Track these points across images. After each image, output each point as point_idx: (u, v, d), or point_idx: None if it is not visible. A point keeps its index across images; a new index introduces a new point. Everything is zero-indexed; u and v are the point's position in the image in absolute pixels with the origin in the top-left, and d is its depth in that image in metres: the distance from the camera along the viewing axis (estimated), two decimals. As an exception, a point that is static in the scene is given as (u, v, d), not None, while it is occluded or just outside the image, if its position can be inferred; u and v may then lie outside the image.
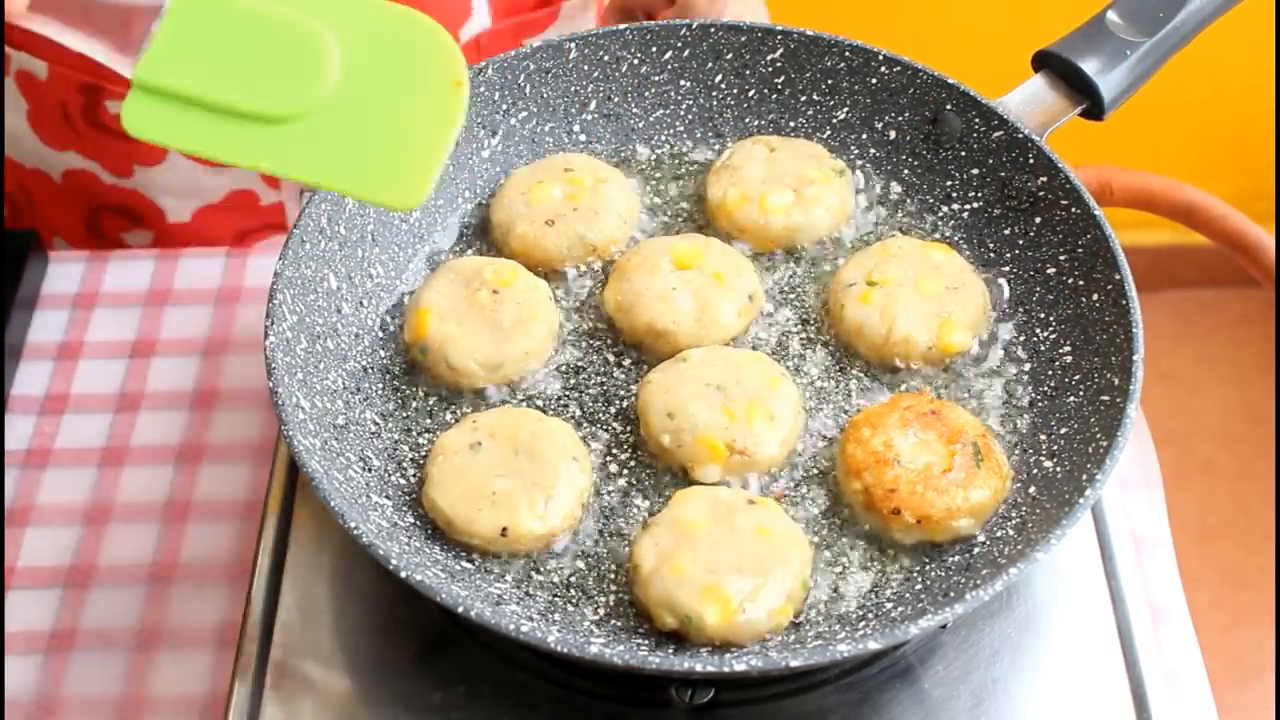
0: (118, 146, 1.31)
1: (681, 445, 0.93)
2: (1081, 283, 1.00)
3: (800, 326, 1.03)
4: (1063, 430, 0.94)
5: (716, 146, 1.14)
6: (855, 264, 1.03)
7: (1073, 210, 1.01)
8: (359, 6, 0.81)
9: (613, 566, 0.91)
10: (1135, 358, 0.91)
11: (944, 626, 0.91)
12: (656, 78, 1.14)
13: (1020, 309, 1.03)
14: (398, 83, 0.80)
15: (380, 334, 1.03)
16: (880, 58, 1.10)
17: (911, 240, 1.05)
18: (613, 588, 0.90)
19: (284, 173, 0.80)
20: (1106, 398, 0.92)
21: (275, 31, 0.81)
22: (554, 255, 1.06)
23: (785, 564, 0.86)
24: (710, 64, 1.13)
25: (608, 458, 0.96)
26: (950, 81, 1.08)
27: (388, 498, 0.93)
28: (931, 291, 1.01)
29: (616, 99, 1.14)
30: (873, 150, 1.12)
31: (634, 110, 1.14)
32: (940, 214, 1.09)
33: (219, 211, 1.35)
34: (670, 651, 0.86)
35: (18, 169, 1.36)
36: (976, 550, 0.90)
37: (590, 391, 0.99)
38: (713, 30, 1.12)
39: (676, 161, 1.14)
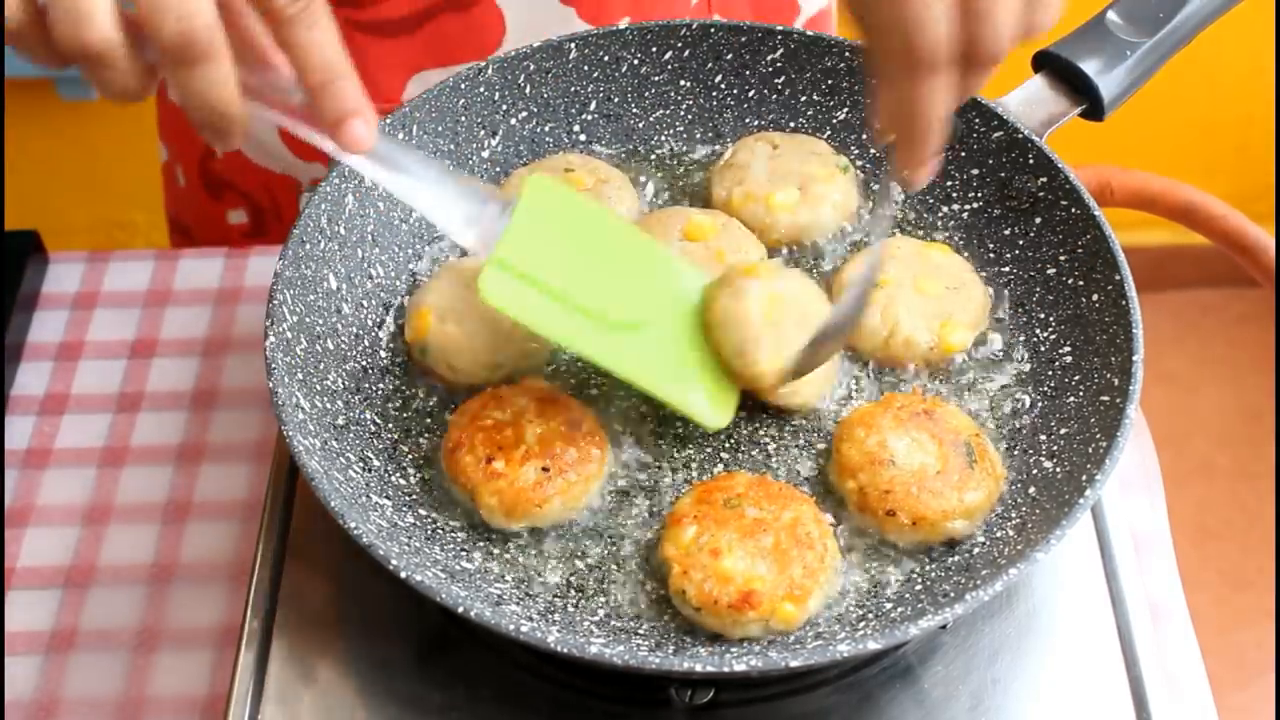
0: None
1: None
2: (1081, 283, 1.00)
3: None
4: (1062, 430, 0.94)
5: (717, 146, 1.14)
6: (856, 265, 1.03)
7: (1073, 210, 1.01)
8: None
9: (613, 567, 0.91)
10: (1135, 358, 0.91)
11: (944, 627, 0.91)
12: (656, 78, 1.14)
13: (1020, 309, 1.03)
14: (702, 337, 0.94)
15: (380, 334, 1.03)
16: (880, 58, 1.10)
17: (911, 240, 1.05)
18: (613, 588, 0.90)
19: (610, 369, 0.91)
20: (1106, 398, 0.92)
21: (627, 250, 0.94)
22: None
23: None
24: (710, 64, 1.13)
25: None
26: (950, 82, 1.08)
27: (388, 498, 0.93)
28: (932, 292, 1.01)
29: (616, 99, 1.14)
30: (873, 150, 1.12)
31: (634, 110, 1.14)
32: (940, 214, 1.09)
33: None
34: (670, 651, 0.86)
35: (267, 175, 1.35)
36: (976, 551, 0.90)
37: (590, 392, 0.99)
38: (713, 30, 1.12)
39: (676, 161, 1.14)
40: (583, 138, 1.15)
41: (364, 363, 1.01)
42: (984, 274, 1.04)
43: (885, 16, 0.75)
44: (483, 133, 1.11)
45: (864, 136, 1.12)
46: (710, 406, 0.93)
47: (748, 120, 1.14)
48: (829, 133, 1.13)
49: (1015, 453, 0.96)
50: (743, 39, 1.12)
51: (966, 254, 1.07)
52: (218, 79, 0.73)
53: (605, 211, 0.98)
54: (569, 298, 0.90)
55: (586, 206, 0.95)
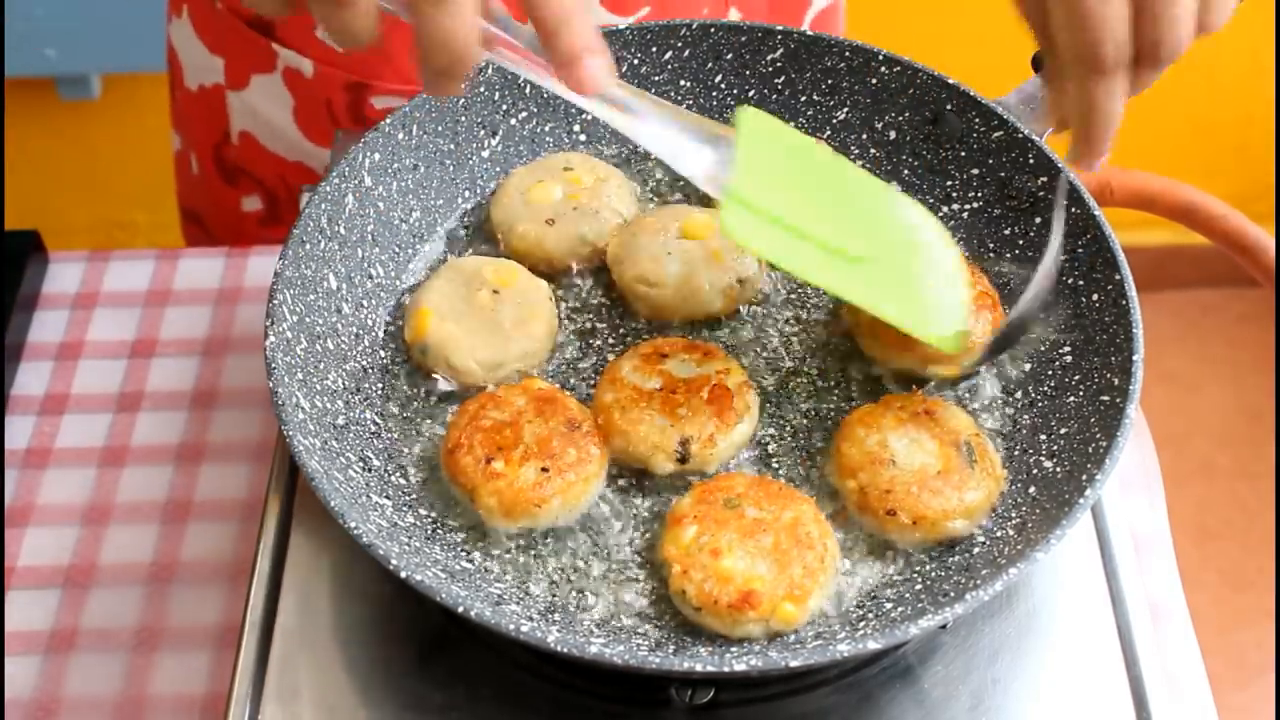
0: None
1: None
2: (1081, 283, 1.00)
3: (799, 325, 1.03)
4: (1062, 430, 0.94)
5: (716, 146, 1.14)
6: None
7: (1072, 210, 1.01)
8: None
9: (613, 567, 0.91)
10: (1135, 358, 0.91)
11: (944, 626, 0.91)
12: (656, 78, 1.14)
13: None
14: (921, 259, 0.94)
15: (380, 334, 1.03)
16: (880, 58, 1.10)
17: None
18: (613, 587, 0.90)
19: (849, 298, 0.91)
20: (1106, 398, 0.92)
21: (844, 179, 0.94)
22: (555, 255, 1.06)
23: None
24: (710, 64, 1.13)
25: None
26: (950, 81, 1.08)
27: (388, 498, 0.93)
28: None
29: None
30: (873, 150, 1.12)
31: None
32: (940, 214, 1.09)
33: None
34: (670, 651, 0.86)
35: (280, 162, 1.36)
36: (976, 550, 0.90)
37: (590, 393, 0.99)
38: (713, 30, 1.12)
39: (676, 161, 1.14)
40: (583, 138, 1.14)
41: (364, 363, 1.01)
42: (984, 274, 1.04)
43: (1065, 21, 0.82)
44: (483, 133, 1.11)
45: (864, 136, 1.12)
46: (936, 324, 0.93)
47: (748, 120, 1.14)
48: (829, 132, 1.13)
49: (1015, 452, 0.96)
50: (743, 39, 1.12)
51: (966, 254, 1.07)
52: (463, 18, 0.72)
53: (812, 141, 0.97)
54: (805, 232, 0.89)
55: (797, 135, 0.94)
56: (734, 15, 1.34)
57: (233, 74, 1.34)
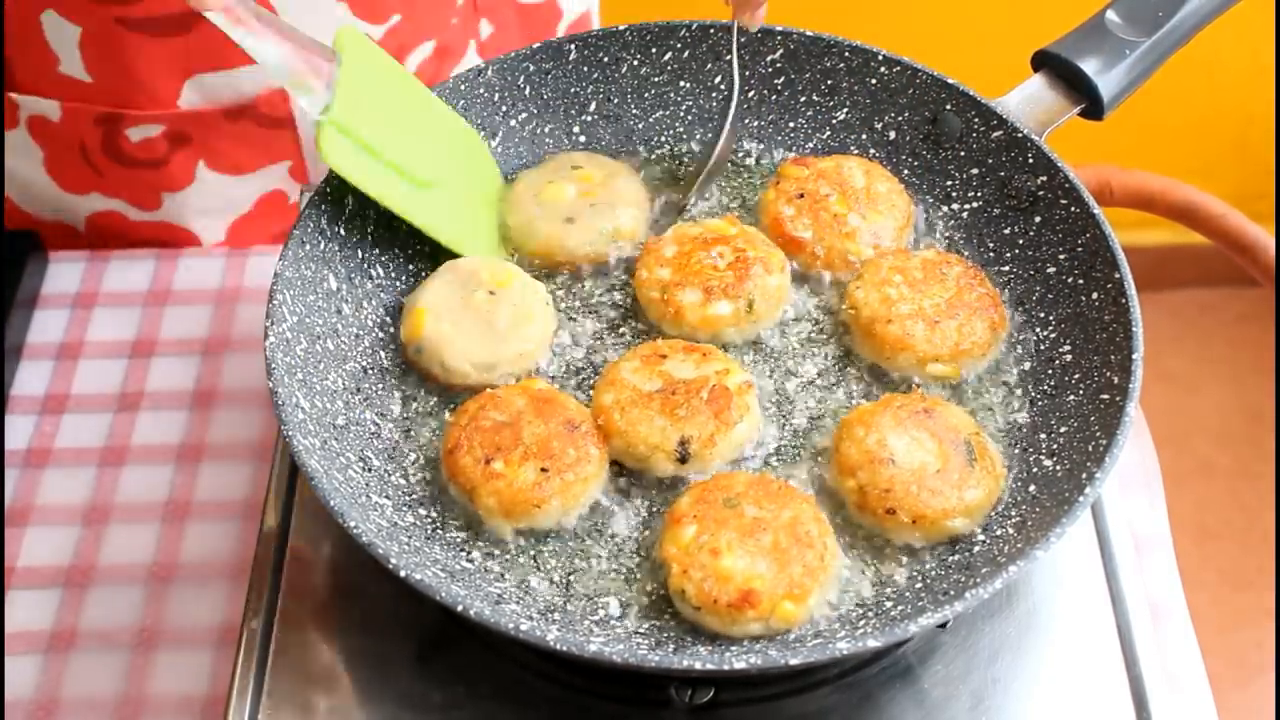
0: (144, 177, 1.27)
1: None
2: (1081, 282, 1.00)
3: (799, 325, 1.03)
4: (1062, 429, 0.94)
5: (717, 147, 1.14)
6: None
7: (1072, 210, 1.01)
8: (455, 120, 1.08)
9: (613, 566, 0.91)
10: (1135, 356, 0.91)
11: (944, 625, 0.91)
12: (656, 78, 1.14)
13: (1020, 308, 1.03)
14: (473, 176, 1.08)
15: (380, 334, 1.03)
16: (880, 58, 1.10)
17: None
18: (612, 587, 0.90)
19: (413, 221, 1.02)
20: (1106, 396, 0.92)
21: (429, 115, 1.05)
22: (577, 253, 1.06)
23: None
24: (710, 64, 1.13)
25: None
26: (950, 81, 1.08)
27: (388, 498, 0.93)
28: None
29: (616, 100, 1.14)
30: (873, 150, 1.12)
31: (634, 111, 1.15)
32: (940, 214, 1.09)
33: (252, 220, 1.32)
34: (670, 650, 0.86)
35: (38, 223, 1.32)
36: (976, 549, 0.90)
37: (588, 394, 0.99)
38: (713, 31, 1.12)
39: (676, 162, 1.14)
40: (582, 139, 1.15)
41: (364, 363, 1.01)
42: (984, 272, 1.04)
43: None
44: (483, 134, 1.11)
45: (864, 136, 1.12)
46: (477, 246, 1.05)
47: (747, 120, 1.14)
48: (829, 132, 1.13)
49: (1015, 451, 0.96)
50: (742, 39, 1.12)
51: (966, 254, 1.07)
52: None
53: (407, 74, 1.06)
54: (388, 159, 0.99)
55: (395, 65, 1.04)
56: (485, 28, 1.33)
57: None
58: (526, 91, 1.12)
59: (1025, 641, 0.93)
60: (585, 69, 1.12)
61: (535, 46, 1.10)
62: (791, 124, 1.14)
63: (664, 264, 1.03)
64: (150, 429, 1.14)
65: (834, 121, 1.13)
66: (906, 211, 1.07)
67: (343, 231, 1.02)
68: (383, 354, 1.02)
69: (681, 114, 1.15)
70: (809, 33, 1.11)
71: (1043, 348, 1.00)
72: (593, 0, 1.46)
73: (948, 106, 1.08)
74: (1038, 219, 1.04)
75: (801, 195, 1.07)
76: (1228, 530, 2.53)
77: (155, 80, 1.20)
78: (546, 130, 1.14)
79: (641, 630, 0.88)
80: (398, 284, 1.06)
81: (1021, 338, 1.01)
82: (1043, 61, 1.08)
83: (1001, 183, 1.06)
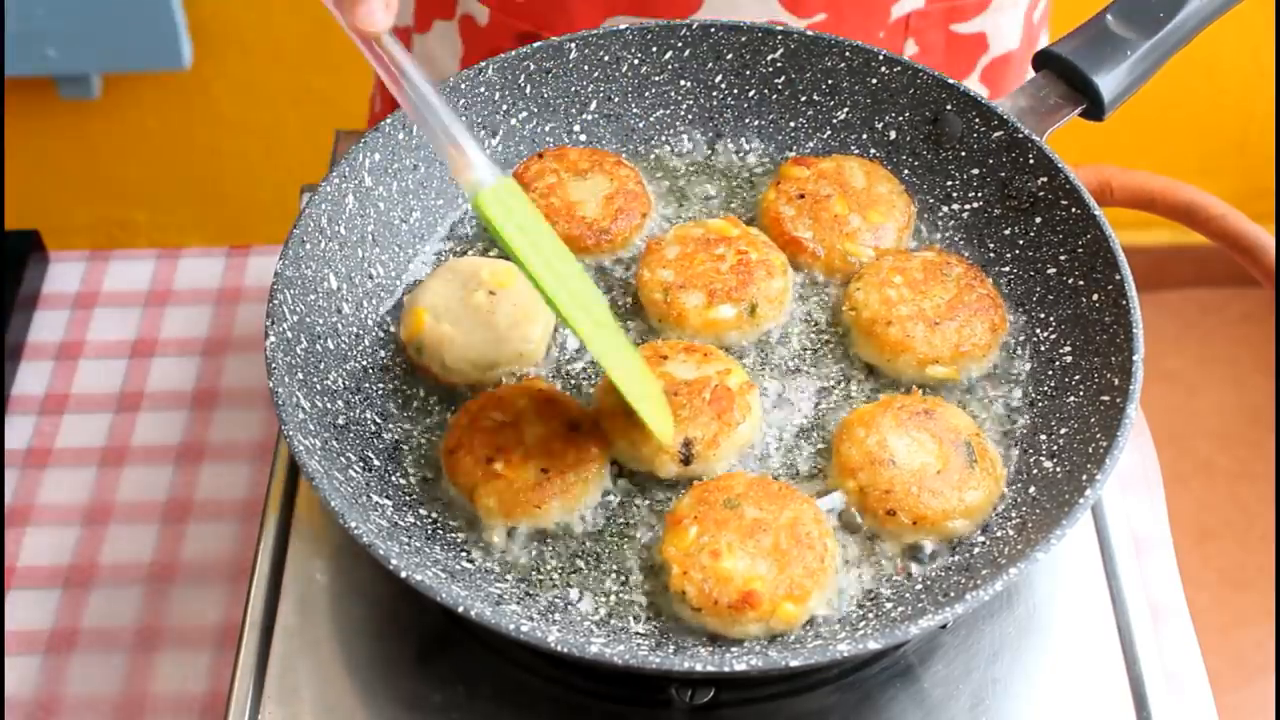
0: None
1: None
2: (1081, 283, 1.00)
3: (799, 326, 1.03)
4: (1062, 430, 0.94)
5: (717, 146, 1.14)
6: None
7: (1073, 210, 1.01)
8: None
9: (613, 567, 0.91)
10: (1135, 358, 0.91)
11: (944, 626, 0.91)
12: (657, 78, 1.14)
13: (1020, 309, 1.03)
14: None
15: (380, 334, 1.03)
16: (880, 58, 1.10)
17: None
18: (613, 588, 0.90)
19: (591, 348, 0.90)
20: (1106, 398, 0.92)
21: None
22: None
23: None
24: (710, 64, 1.13)
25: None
26: (950, 81, 1.08)
27: (388, 498, 0.93)
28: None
29: (617, 99, 1.14)
30: (873, 151, 1.12)
31: (634, 110, 1.14)
32: (940, 214, 1.09)
33: None
34: (670, 651, 0.86)
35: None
36: (976, 550, 0.90)
37: (588, 394, 0.99)
38: (713, 30, 1.12)
39: (677, 162, 1.14)
40: (583, 138, 1.15)
41: (364, 363, 1.01)
42: (984, 273, 1.04)
43: None
44: (483, 133, 1.11)
45: (864, 136, 1.12)
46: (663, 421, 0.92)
47: (747, 120, 1.14)
48: (829, 132, 1.13)
49: (1015, 452, 0.96)
50: (743, 39, 1.12)
51: (967, 254, 1.07)
52: None
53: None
54: (550, 264, 0.88)
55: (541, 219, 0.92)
56: (909, 48, 1.29)
57: (421, 16, 1.34)
58: (527, 90, 1.12)
59: (1025, 641, 0.93)
60: (586, 68, 1.12)
61: (536, 45, 1.10)
62: (792, 124, 1.14)
63: (666, 265, 1.03)
64: (150, 429, 1.14)
65: (834, 121, 1.13)
66: (907, 212, 1.07)
67: (343, 231, 1.02)
68: (383, 353, 1.02)
69: (682, 113, 1.15)
70: (809, 32, 1.11)
71: (1043, 349, 1.00)
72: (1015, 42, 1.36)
73: (948, 107, 1.08)
74: (1038, 220, 1.04)
75: (802, 195, 1.07)
76: (1228, 530, 2.53)
77: (578, 8, 1.22)
78: (547, 129, 1.14)
79: (642, 631, 0.88)
80: (398, 284, 1.06)
81: (1022, 339, 1.01)
82: (1044, 62, 1.08)
83: (1002, 183, 1.06)
